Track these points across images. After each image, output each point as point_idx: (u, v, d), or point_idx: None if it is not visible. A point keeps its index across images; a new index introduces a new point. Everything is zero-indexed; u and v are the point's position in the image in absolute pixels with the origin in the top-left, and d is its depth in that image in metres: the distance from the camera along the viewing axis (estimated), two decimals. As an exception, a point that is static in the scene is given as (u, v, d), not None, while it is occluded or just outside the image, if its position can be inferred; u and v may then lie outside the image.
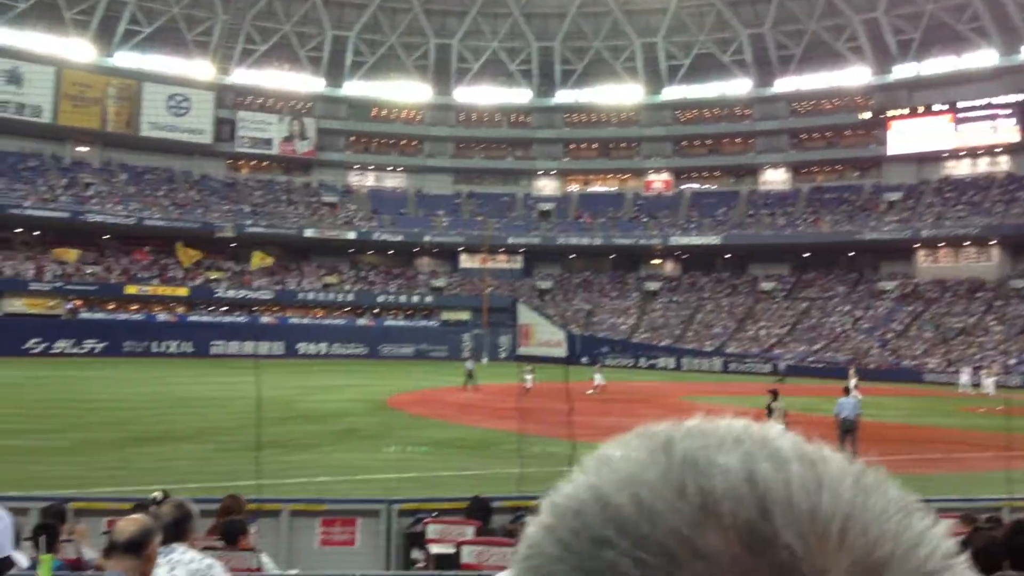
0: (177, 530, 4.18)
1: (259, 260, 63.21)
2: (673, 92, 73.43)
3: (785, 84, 70.34)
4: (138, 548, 3.42)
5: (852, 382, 35.70)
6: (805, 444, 0.51)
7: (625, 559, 0.45)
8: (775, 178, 72.66)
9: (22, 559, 2.17)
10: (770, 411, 18.38)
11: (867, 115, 66.88)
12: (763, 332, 61.57)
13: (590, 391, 32.03)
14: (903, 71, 65.70)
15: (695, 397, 34.40)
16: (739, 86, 71.97)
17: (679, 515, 0.45)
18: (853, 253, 65.07)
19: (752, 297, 66.60)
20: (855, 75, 67.77)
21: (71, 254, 58.51)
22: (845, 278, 65.49)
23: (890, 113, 66.03)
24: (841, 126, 69.61)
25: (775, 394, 19.13)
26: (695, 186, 75.21)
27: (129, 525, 3.48)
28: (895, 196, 65.80)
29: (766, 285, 67.15)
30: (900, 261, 63.68)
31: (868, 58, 66.85)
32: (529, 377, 32.04)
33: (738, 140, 73.94)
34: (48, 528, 5.90)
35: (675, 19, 71.37)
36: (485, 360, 52.37)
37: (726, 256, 69.30)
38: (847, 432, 18.91)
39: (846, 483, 0.48)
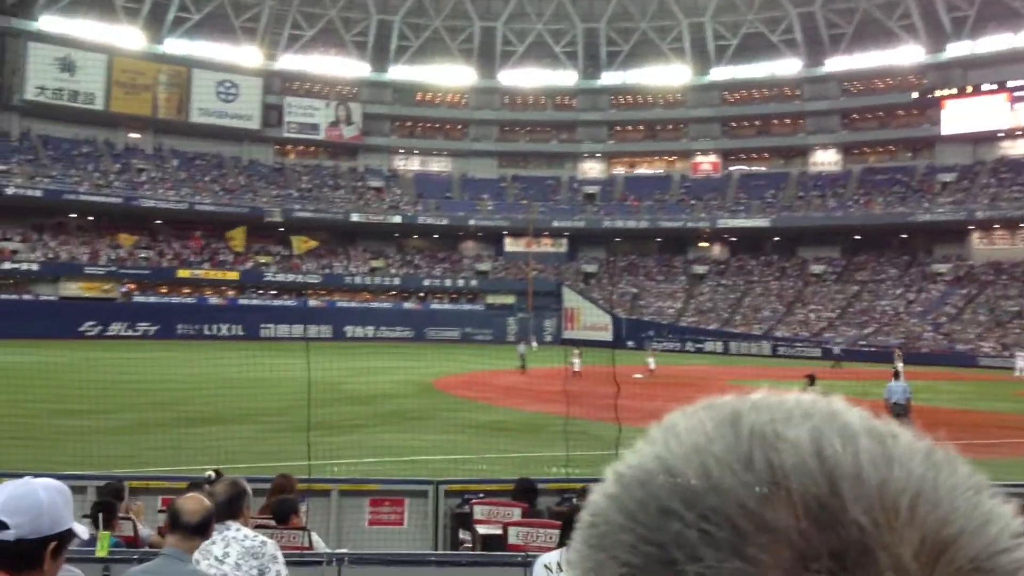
0: (231, 507, 4.24)
1: (302, 244, 63.83)
2: (721, 72, 72.44)
3: (836, 63, 69.00)
4: (204, 530, 3.51)
5: (899, 365, 35.23)
6: (874, 419, 0.50)
7: (691, 531, 0.44)
8: (825, 159, 71.44)
9: (83, 531, 2.24)
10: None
11: (920, 94, 65.40)
12: (813, 316, 60.74)
13: (638, 375, 31.86)
14: (957, 49, 64.05)
15: (743, 381, 34.10)
16: (788, 66, 70.78)
17: (746, 488, 0.45)
18: (905, 235, 63.82)
19: (801, 280, 65.70)
20: (908, 54, 66.22)
21: (126, 239, 59.69)
22: (897, 261, 64.29)
23: (944, 92, 64.47)
24: (893, 106, 68.16)
25: (812, 379, 18.71)
26: (743, 168, 74.22)
27: (197, 508, 3.56)
28: (949, 177, 64.32)
29: (816, 268, 66.18)
30: (954, 243, 62.32)
31: (921, 36, 65.25)
32: (577, 360, 31.91)
33: (787, 121, 72.78)
34: (106, 506, 6.04)
35: (723, -2, 70.38)
36: (535, 344, 52.33)
37: (775, 239, 68.40)
38: (898, 417, 18.35)
39: (916, 459, 0.47)
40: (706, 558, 0.43)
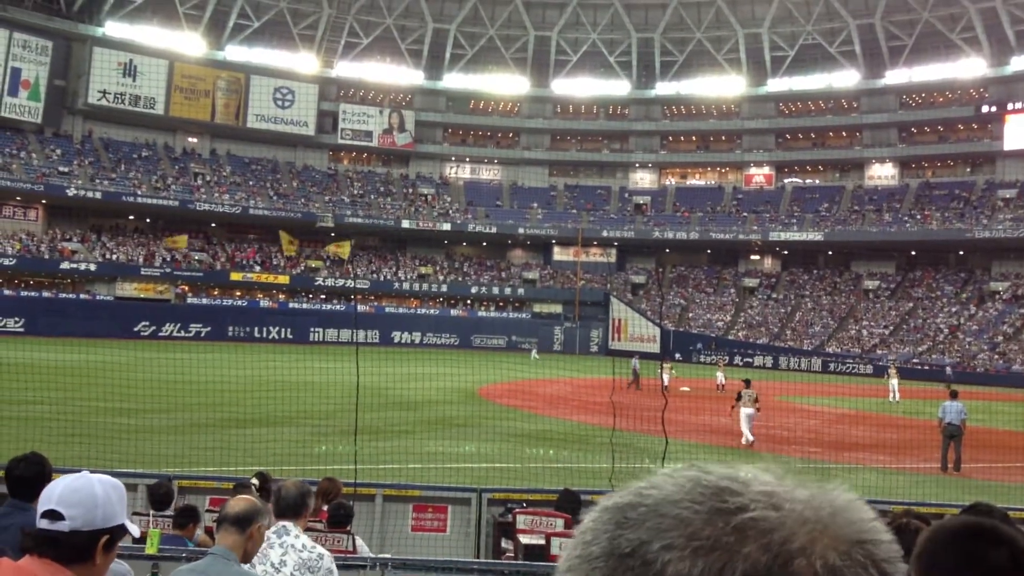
0: (295, 508, 4.27)
1: (335, 249, 64.14)
2: (777, 84, 71.65)
3: (895, 76, 67.80)
4: (243, 524, 3.52)
5: (893, 381, 34.50)
6: None
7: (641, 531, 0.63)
8: (882, 173, 70.22)
9: (134, 529, 2.28)
10: (739, 397, 20.57)
11: (982, 109, 63.98)
12: (865, 332, 59.66)
13: (685, 388, 31.58)
14: (1022, 63, 62.52)
15: (793, 397, 33.59)
16: (846, 78, 69.74)
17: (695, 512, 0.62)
18: (962, 252, 62.41)
19: (854, 296, 64.60)
20: (969, 67, 64.77)
21: (181, 241, 60.85)
22: (953, 278, 62.90)
23: (1007, 107, 62.96)
24: (953, 120, 66.77)
25: (747, 383, 21.03)
26: (797, 180, 73.27)
27: (239, 502, 3.61)
28: (1010, 193, 62.75)
29: (869, 283, 65.02)
30: (1012, 261, 60.78)
31: (984, 49, 63.81)
32: (666, 376, 31.24)
33: (844, 133, 71.72)
34: (187, 511, 6.21)
35: (781, 9, 69.64)
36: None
37: (828, 253, 67.36)
38: (951, 437, 18.16)
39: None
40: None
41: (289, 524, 4.16)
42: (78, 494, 2.09)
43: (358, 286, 63.70)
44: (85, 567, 2.08)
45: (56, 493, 2.11)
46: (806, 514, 0.62)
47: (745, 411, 20.36)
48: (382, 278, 65.53)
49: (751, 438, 20.16)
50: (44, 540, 2.08)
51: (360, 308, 62.21)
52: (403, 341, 59.75)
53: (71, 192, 57.22)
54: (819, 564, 0.59)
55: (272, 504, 4.39)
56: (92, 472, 2.22)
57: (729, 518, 0.61)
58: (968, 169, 67.40)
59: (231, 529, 3.51)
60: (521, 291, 67.38)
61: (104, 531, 2.10)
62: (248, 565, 3.59)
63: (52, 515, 2.08)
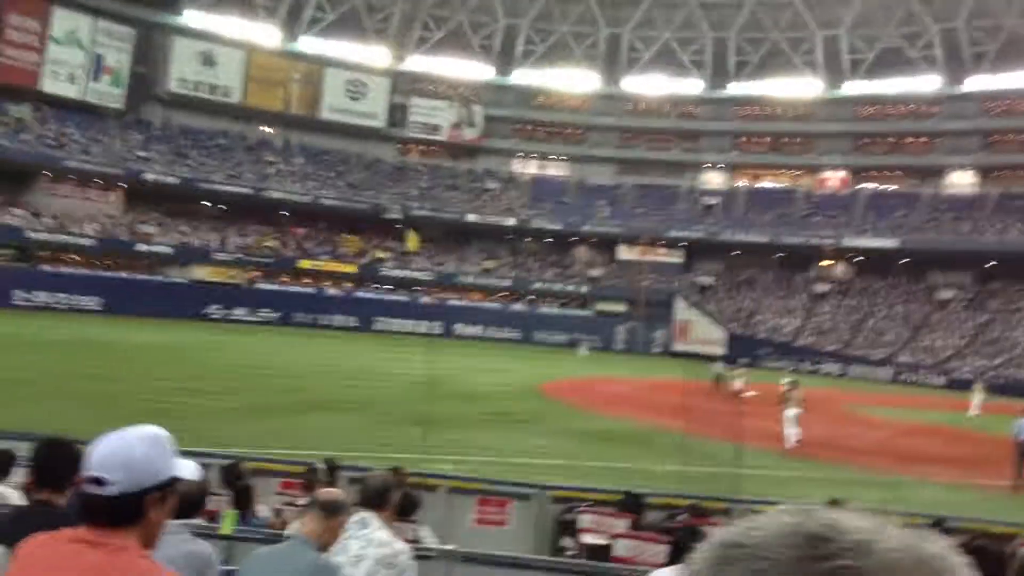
0: (379, 499, 4.27)
1: (413, 242, 64.72)
2: (854, 87, 70.01)
3: (977, 82, 65.67)
4: (331, 512, 3.55)
5: (976, 398, 32.82)
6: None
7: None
8: (961, 181, 68.14)
9: (190, 470, 2.25)
10: (784, 398, 21.15)
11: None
12: (939, 343, 58.01)
13: (751, 393, 31.08)
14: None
15: (861, 407, 32.88)
16: (927, 83, 67.81)
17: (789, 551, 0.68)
18: (1045, 264, 60.17)
19: (929, 305, 62.86)
20: (1057, 73, 62.43)
21: (254, 229, 62.03)
22: (1033, 291, 60.73)
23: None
24: (1039, 128, 64.46)
25: (795, 383, 22.02)
26: (873, 186, 71.51)
27: (332, 492, 3.65)
28: (1097, 205, 60.38)
29: (945, 293, 63.19)
30: (1098, 275, 58.46)
31: (1076, 54, 61.45)
32: (739, 382, 30.81)
33: (923, 139, 69.76)
34: (242, 490, 6.29)
35: (861, 11, 68.03)
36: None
37: (903, 261, 65.59)
38: (1024, 455, 17.61)
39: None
40: None
41: (370, 516, 4.15)
42: (117, 457, 2.02)
43: (422, 277, 64.20)
44: (140, 526, 2.04)
45: (95, 458, 2.04)
46: (891, 563, 0.66)
47: (790, 412, 20.75)
48: (446, 270, 65.93)
49: (794, 440, 20.30)
50: (92, 507, 2.01)
51: (424, 299, 62.69)
52: (465, 334, 60.01)
53: (149, 177, 58.76)
54: None
55: (357, 493, 4.41)
56: (132, 428, 2.12)
57: (818, 564, 0.66)
58: (1053, 179, 64.99)
59: (319, 515, 3.54)
60: (584, 288, 67.11)
61: (154, 488, 2.04)
62: (326, 554, 3.62)
63: (96, 481, 2.00)
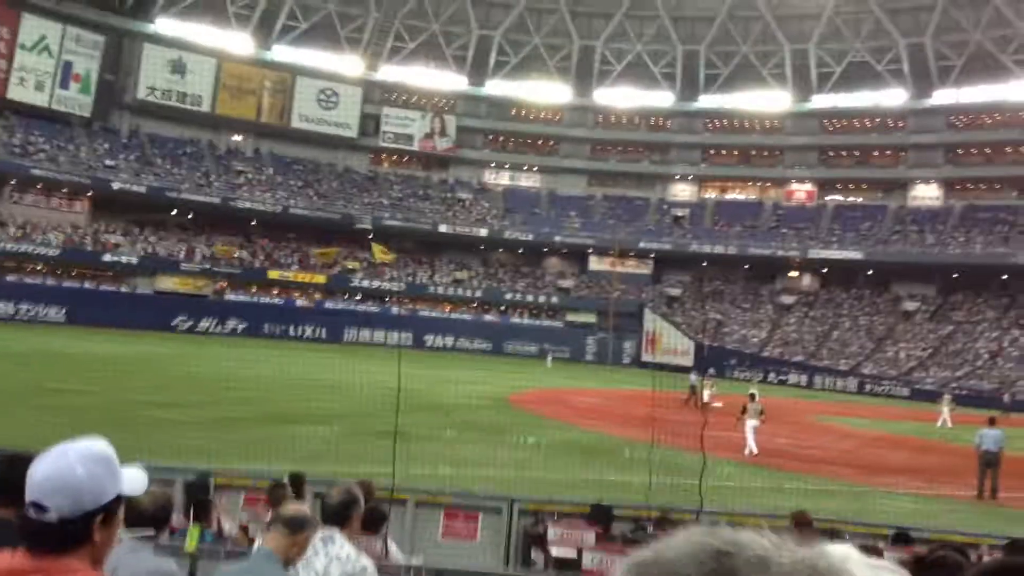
0: (342, 515, 4.22)
1: (380, 254, 64.31)
2: (822, 100, 70.98)
3: (943, 96, 66.85)
4: (296, 529, 3.53)
5: (945, 409, 33.62)
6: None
7: None
8: (926, 194, 69.21)
9: (136, 481, 2.09)
10: (744, 409, 21.79)
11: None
12: (903, 354, 58.78)
13: (717, 404, 31.26)
14: (1076, 86, 61.33)
15: (827, 417, 33.18)
16: (893, 96, 68.90)
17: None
18: (1006, 276, 61.28)
19: (893, 317, 63.70)
20: (1021, 89, 63.66)
21: (221, 240, 61.51)
22: (996, 303, 61.78)
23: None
24: (1002, 142, 65.68)
25: (752, 396, 22.36)
26: (839, 198, 72.46)
27: (296, 508, 3.63)
28: (1058, 219, 61.56)
29: (909, 305, 64.08)
30: (1060, 288, 59.56)
31: (1037, 71, 62.70)
32: (707, 392, 30.90)
33: (888, 152, 70.83)
34: (201, 503, 6.21)
35: (829, 25, 69.01)
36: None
37: (868, 272, 66.48)
38: (988, 465, 17.86)
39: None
40: None
41: (336, 533, 4.12)
42: (59, 481, 1.86)
43: (393, 288, 63.99)
44: (85, 549, 1.91)
45: (34, 481, 1.88)
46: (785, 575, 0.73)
47: (751, 423, 21.53)
48: (417, 281, 65.78)
49: (755, 450, 21.03)
50: (34, 533, 1.87)
51: (394, 310, 62.50)
52: (436, 344, 59.91)
53: (116, 186, 58.17)
54: None
55: (319, 510, 4.38)
56: (73, 444, 1.96)
57: None
58: (1015, 193, 66.21)
59: (283, 531, 3.52)
60: (555, 299, 67.28)
61: (97, 511, 1.91)
62: (292, 570, 3.60)
63: (37, 507, 1.86)
